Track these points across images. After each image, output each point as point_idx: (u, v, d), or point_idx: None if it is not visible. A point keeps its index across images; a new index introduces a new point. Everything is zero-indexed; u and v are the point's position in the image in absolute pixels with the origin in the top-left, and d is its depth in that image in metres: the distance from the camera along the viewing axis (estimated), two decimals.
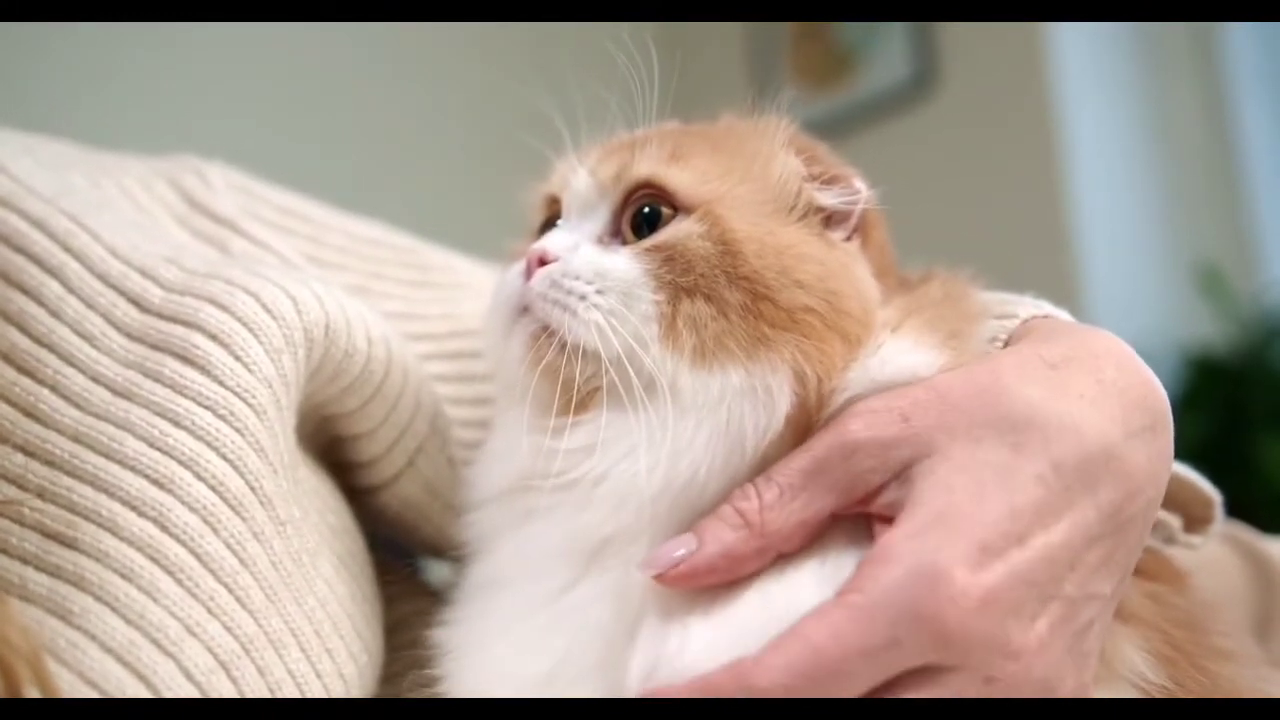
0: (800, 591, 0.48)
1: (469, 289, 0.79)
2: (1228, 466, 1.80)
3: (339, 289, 0.62)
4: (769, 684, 0.43)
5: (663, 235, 0.55)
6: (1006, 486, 0.46)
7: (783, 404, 0.51)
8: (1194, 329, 2.19)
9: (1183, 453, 0.60)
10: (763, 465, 0.51)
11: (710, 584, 0.49)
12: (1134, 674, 0.50)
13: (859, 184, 0.58)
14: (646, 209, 0.56)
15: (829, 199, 0.57)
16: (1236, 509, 0.75)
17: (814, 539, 0.50)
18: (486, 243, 0.67)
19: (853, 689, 0.44)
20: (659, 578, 0.49)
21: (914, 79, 2.54)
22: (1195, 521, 0.63)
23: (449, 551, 0.62)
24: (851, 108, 2.63)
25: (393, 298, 0.76)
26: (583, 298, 0.54)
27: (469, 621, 0.56)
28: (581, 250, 0.56)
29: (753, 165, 0.57)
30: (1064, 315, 0.57)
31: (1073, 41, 2.35)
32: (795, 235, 0.55)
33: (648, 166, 0.57)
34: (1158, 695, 0.50)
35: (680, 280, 0.53)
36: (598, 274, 0.55)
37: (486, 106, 2.17)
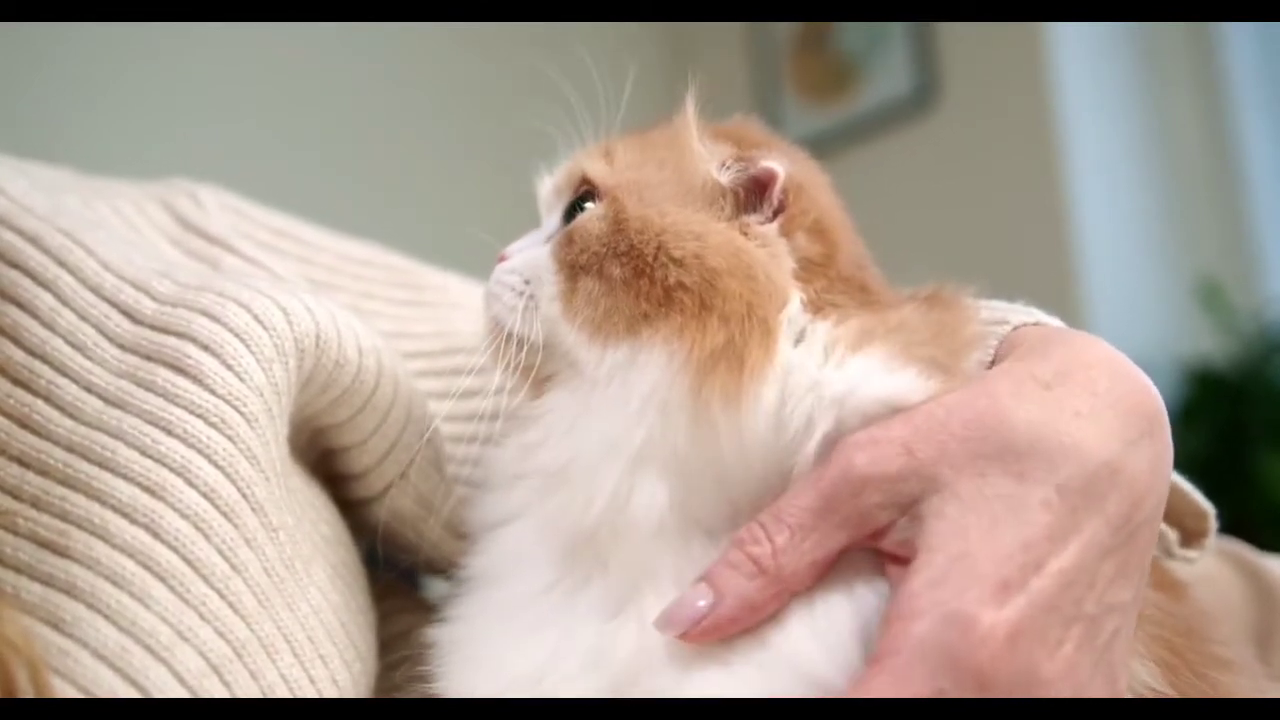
0: (793, 635, 0.49)
1: (462, 308, 0.80)
2: (1227, 481, 1.80)
3: (330, 302, 0.63)
4: None
5: (573, 222, 0.59)
6: (1016, 518, 0.46)
7: (649, 378, 0.52)
8: (1194, 343, 2.20)
9: (1182, 467, 0.60)
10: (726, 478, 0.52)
11: (732, 633, 0.49)
12: (1136, 681, 0.50)
13: (766, 162, 0.57)
14: (582, 204, 0.60)
15: (724, 176, 0.58)
16: (1236, 524, 0.75)
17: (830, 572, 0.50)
18: (482, 247, 0.68)
19: None
20: (683, 637, 0.49)
21: (915, 92, 2.55)
22: (1191, 535, 0.63)
23: (445, 566, 0.62)
24: (853, 121, 2.64)
25: (384, 317, 0.77)
26: (511, 288, 0.59)
27: (462, 619, 0.57)
28: (527, 249, 0.61)
29: (670, 155, 0.59)
30: (1055, 322, 0.57)
31: (1073, 55, 2.36)
32: (686, 216, 0.56)
33: (583, 163, 0.61)
34: None
35: (578, 259, 0.57)
36: (526, 266, 0.60)
37: (484, 112, 2.18)
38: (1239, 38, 2.40)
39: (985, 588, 0.45)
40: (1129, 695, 0.50)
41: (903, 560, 0.48)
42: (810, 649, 0.48)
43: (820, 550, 0.49)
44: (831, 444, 0.50)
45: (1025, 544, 0.46)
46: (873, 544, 0.49)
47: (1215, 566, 0.75)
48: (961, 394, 0.50)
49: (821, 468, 0.50)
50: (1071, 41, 2.36)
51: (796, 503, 0.50)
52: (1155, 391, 0.52)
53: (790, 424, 0.51)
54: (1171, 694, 0.51)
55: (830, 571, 0.50)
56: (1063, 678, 0.45)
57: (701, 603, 0.49)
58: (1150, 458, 0.50)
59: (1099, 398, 0.50)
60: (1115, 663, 0.48)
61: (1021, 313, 0.57)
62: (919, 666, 0.44)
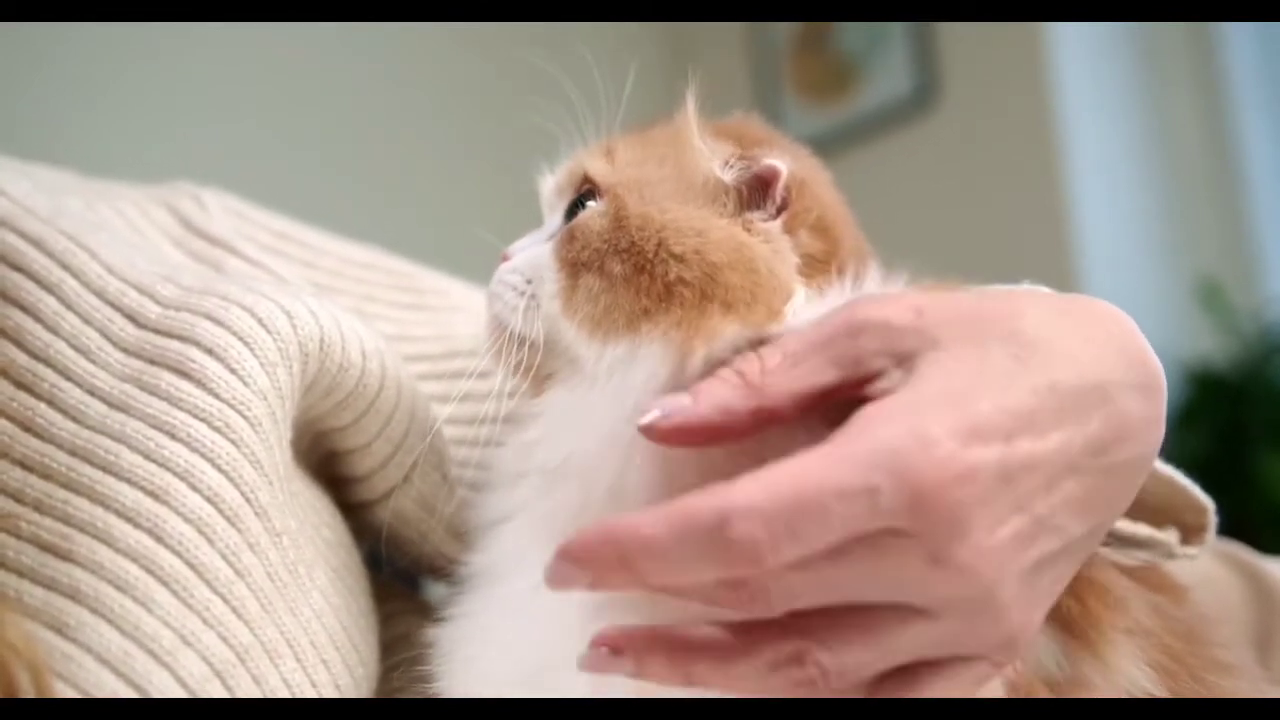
0: None
1: (463, 311, 0.80)
2: (1227, 482, 1.80)
3: (333, 305, 0.63)
4: (745, 503, 0.41)
5: (574, 219, 0.59)
6: (1004, 388, 0.46)
7: (646, 370, 0.53)
8: (1194, 343, 2.20)
9: (1182, 468, 0.61)
10: None
11: (703, 444, 0.48)
12: (1134, 686, 0.50)
13: (769, 160, 0.58)
14: (583, 202, 0.60)
15: (727, 174, 0.58)
16: (1236, 525, 0.75)
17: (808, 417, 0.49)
18: (484, 247, 0.68)
19: (822, 534, 0.42)
20: (647, 430, 0.48)
21: (915, 92, 2.55)
22: (1190, 530, 0.63)
23: (447, 570, 0.62)
24: (853, 121, 2.64)
25: (386, 320, 0.77)
26: (512, 288, 0.59)
27: (462, 617, 0.57)
28: (529, 248, 0.61)
29: (671, 152, 0.60)
30: None
31: (1073, 55, 2.36)
32: (687, 213, 0.56)
33: (584, 162, 0.61)
34: None
35: (580, 256, 0.57)
36: (528, 265, 0.60)
37: (484, 112, 2.18)
38: (1239, 38, 2.40)
39: (956, 422, 0.43)
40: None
41: None
42: None
43: (808, 380, 0.48)
44: None
45: (1006, 410, 0.45)
46: (861, 392, 0.48)
47: (1215, 568, 0.76)
48: (980, 291, 0.51)
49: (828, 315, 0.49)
50: (1071, 41, 2.36)
51: (796, 336, 0.49)
52: (1159, 363, 0.52)
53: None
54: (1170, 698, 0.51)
55: None
56: (988, 556, 0.44)
57: (678, 402, 0.48)
58: (1144, 409, 0.49)
59: (1109, 338, 0.50)
60: (1041, 591, 0.47)
61: (1028, 288, 0.58)
62: (863, 456, 0.42)
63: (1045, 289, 0.58)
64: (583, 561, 0.43)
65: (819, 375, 0.48)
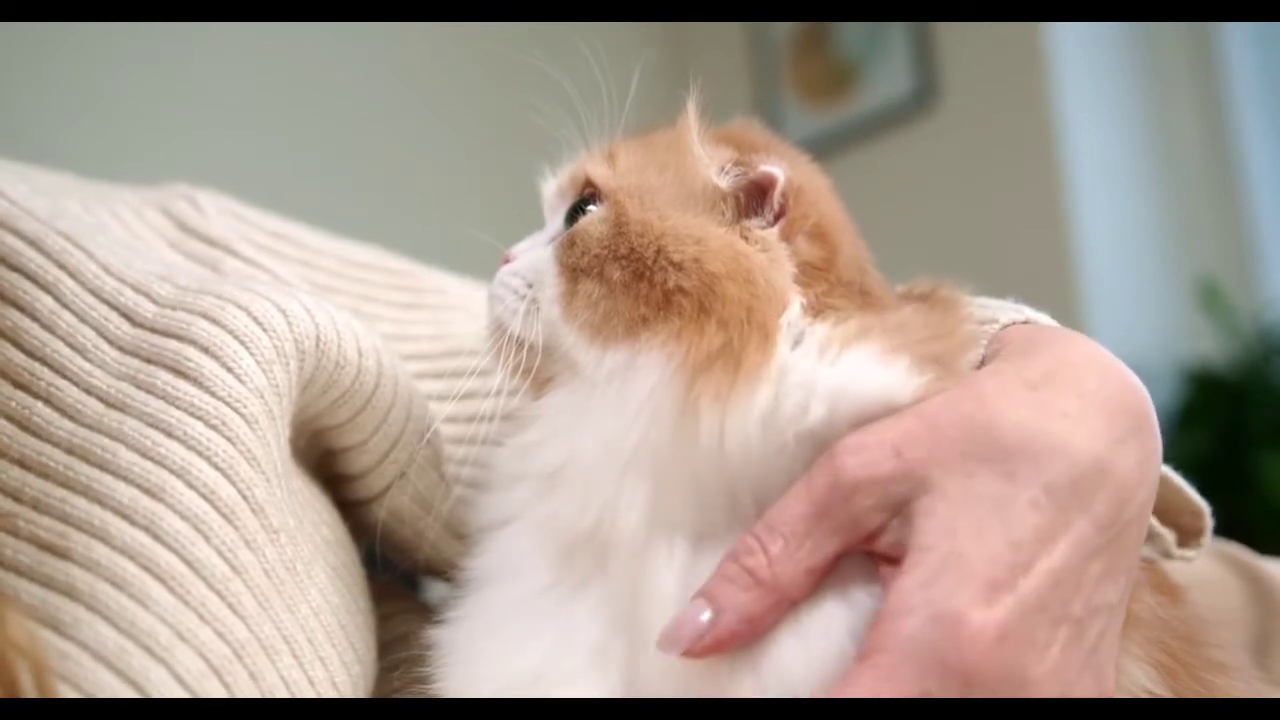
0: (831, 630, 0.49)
1: (461, 310, 0.81)
2: (1227, 483, 1.80)
3: (329, 304, 0.63)
4: None
5: (575, 225, 0.59)
6: (1004, 519, 0.47)
7: (647, 381, 0.52)
8: (1194, 344, 2.20)
9: (1182, 469, 0.61)
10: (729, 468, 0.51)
11: (735, 648, 0.49)
12: (1135, 685, 0.51)
13: (766, 167, 0.57)
14: (584, 206, 0.60)
15: (724, 180, 0.58)
16: (1236, 526, 0.74)
17: (823, 581, 0.50)
18: (486, 249, 0.68)
19: None
20: (687, 653, 0.48)
21: (915, 93, 2.55)
22: (1187, 533, 0.63)
23: (445, 568, 0.62)
24: (853, 122, 2.64)
25: (384, 320, 0.77)
26: (514, 291, 0.60)
27: (461, 620, 0.57)
28: (531, 251, 0.61)
29: (671, 158, 0.60)
30: (1044, 319, 0.58)
31: (1073, 55, 2.36)
32: (686, 220, 0.56)
33: (586, 166, 0.61)
34: None
35: (580, 262, 0.57)
36: (529, 268, 0.60)
37: (486, 113, 2.18)
38: (1239, 38, 2.40)
39: (975, 587, 0.45)
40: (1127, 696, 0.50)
41: (895, 561, 0.48)
42: (801, 664, 0.48)
43: (815, 557, 0.49)
44: (822, 445, 0.50)
45: (1014, 544, 0.46)
46: (866, 547, 0.49)
47: (1214, 569, 0.75)
48: (949, 396, 0.50)
49: (813, 474, 0.50)
50: (1071, 42, 2.37)
51: (789, 511, 0.49)
52: (1143, 390, 0.52)
53: (782, 424, 0.51)
54: (1170, 697, 0.51)
55: (827, 580, 0.49)
56: (1050, 679, 0.45)
57: (703, 618, 0.48)
58: (1138, 456, 0.50)
59: (1086, 398, 0.50)
60: (1103, 664, 0.48)
61: (1010, 310, 0.57)
62: (906, 665, 0.44)
63: (1027, 310, 0.57)
64: None
65: (824, 549, 0.49)
